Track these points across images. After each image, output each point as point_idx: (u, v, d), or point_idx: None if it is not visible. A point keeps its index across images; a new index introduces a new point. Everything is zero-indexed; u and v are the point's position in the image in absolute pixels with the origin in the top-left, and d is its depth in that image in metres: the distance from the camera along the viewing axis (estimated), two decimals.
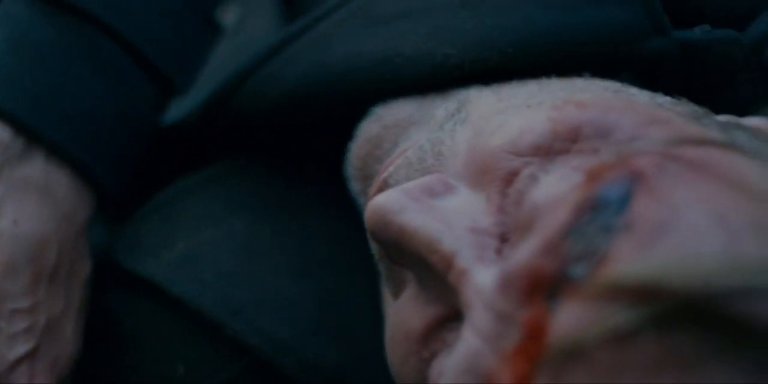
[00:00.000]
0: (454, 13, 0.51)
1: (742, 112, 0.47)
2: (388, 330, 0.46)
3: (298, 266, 0.58)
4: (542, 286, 0.35)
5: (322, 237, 0.59)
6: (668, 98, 0.45)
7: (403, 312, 0.44)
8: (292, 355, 0.56)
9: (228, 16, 0.65)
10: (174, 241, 0.58)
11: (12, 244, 0.53)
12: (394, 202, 0.41)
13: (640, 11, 0.49)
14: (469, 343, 0.37)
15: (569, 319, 0.34)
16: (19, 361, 0.53)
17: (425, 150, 0.45)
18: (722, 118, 0.45)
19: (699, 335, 0.32)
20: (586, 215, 0.35)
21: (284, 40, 0.55)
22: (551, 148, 0.41)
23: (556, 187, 0.38)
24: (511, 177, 0.41)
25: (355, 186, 0.53)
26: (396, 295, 0.46)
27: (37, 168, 0.54)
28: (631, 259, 0.34)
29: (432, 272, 0.40)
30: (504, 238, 0.40)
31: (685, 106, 0.44)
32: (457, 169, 0.43)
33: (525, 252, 0.36)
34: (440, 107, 0.49)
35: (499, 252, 0.39)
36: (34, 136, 0.54)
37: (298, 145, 0.60)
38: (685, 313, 0.32)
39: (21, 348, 0.53)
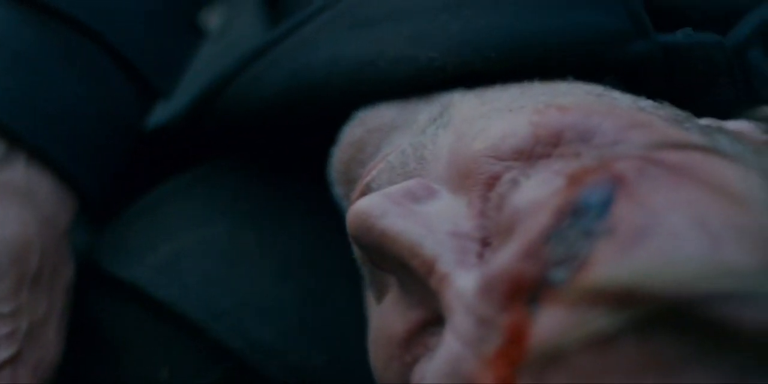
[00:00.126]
0: (437, 16, 0.51)
1: (725, 116, 0.47)
2: (371, 334, 0.46)
3: (281, 270, 0.58)
4: (523, 291, 0.35)
5: (305, 240, 0.59)
6: (650, 102, 0.45)
7: (386, 316, 0.44)
8: (275, 359, 0.55)
9: (212, 19, 0.65)
10: (157, 244, 0.58)
11: None
12: (376, 206, 0.41)
13: (623, 15, 0.49)
14: (450, 347, 0.37)
15: (550, 323, 0.34)
16: (1, 366, 0.52)
17: (407, 154, 0.45)
18: (704, 121, 0.45)
19: (680, 339, 0.32)
20: (567, 219, 0.35)
21: (268, 43, 0.55)
22: (533, 152, 0.41)
23: (537, 192, 0.38)
24: (492, 181, 0.41)
25: (338, 190, 0.53)
26: (379, 299, 0.46)
27: (18, 172, 0.54)
28: (612, 264, 0.34)
29: (414, 277, 0.40)
30: (485, 243, 0.40)
31: (667, 110, 0.44)
32: (439, 174, 0.43)
33: (506, 256, 0.36)
34: (423, 111, 0.49)
35: (480, 256, 0.39)
36: (14, 139, 0.53)
37: (282, 148, 0.60)
38: (666, 318, 0.32)
39: (3, 353, 0.52)
